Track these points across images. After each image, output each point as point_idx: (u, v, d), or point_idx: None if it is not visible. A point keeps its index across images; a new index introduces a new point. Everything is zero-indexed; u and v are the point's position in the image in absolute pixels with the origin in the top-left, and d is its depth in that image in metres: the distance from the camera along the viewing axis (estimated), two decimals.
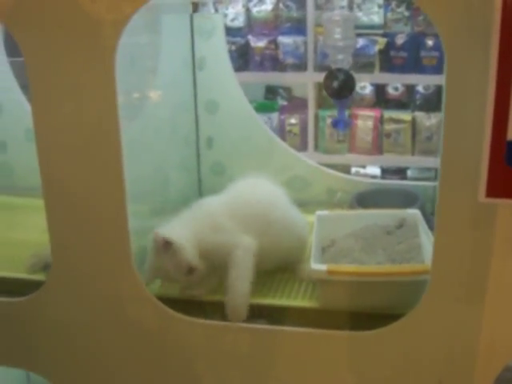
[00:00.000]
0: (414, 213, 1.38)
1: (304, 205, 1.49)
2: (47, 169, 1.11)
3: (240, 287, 1.16)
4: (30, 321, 1.24)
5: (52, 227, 1.14)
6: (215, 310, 1.19)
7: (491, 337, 1.02)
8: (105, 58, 1.01)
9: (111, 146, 1.06)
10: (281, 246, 1.27)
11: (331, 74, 1.38)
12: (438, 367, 1.07)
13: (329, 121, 3.19)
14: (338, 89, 1.36)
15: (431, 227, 1.18)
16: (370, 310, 1.13)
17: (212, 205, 1.28)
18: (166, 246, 1.18)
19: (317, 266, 1.14)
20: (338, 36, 1.41)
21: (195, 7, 1.69)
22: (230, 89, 1.69)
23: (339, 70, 1.36)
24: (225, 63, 1.68)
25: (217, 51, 1.67)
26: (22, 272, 1.34)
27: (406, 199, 1.53)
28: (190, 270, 1.19)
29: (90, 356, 1.23)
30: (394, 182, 2.02)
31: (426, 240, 1.25)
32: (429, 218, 1.38)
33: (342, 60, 1.39)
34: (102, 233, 1.13)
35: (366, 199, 1.57)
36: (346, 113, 1.57)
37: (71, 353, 1.24)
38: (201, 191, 1.77)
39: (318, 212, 1.39)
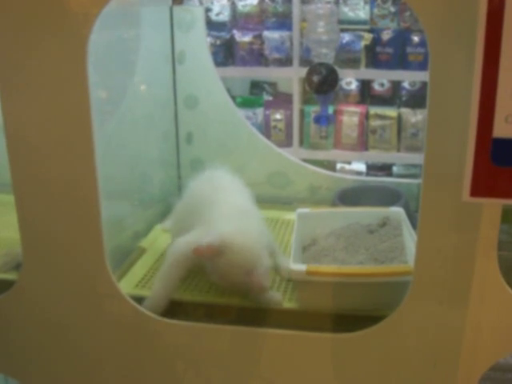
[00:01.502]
0: (397, 211, 1.36)
1: (285, 202, 1.47)
2: (17, 165, 1.08)
3: None
4: (1, 321, 1.21)
5: (23, 225, 1.11)
6: (199, 310, 1.18)
7: (475, 338, 1.01)
8: (76, 50, 0.98)
9: (83, 141, 1.03)
10: None
11: (313, 69, 1.35)
12: (421, 369, 1.05)
13: (313, 116, 3.17)
14: (320, 83, 1.33)
15: (415, 225, 1.16)
16: (350, 311, 1.11)
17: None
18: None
19: (296, 266, 1.11)
20: (321, 30, 1.38)
21: (179, 0, 1.66)
22: (210, 83, 1.66)
23: (322, 64, 1.33)
24: (205, 57, 1.65)
25: (197, 45, 1.64)
26: None
27: (390, 197, 1.51)
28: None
29: (66, 356, 1.21)
30: (378, 179, 1.99)
31: (410, 239, 1.23)
32: (413, 216, 1.36)
33: (326, 54, 1.37)
34: (74, 230, 1.10)
35: (349, 197, 1.55)
36: (330, 108, 1.55)
37: (45, 354, 1.22)
38: (180, 187, 1.73)
39: (299, 210, 1.36)
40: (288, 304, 1.16)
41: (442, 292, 0.99)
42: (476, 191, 0.85)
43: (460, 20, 0.85)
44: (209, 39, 3.07)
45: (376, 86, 3.34)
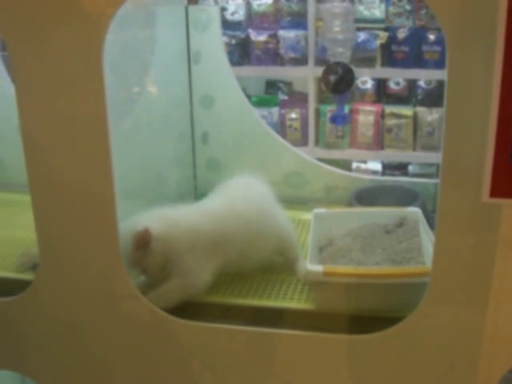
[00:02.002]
0: (414, 211, 1.35)
1: (301, 202, 1.46)
2: (34, 165, 1.08)
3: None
4: (18, 321, 1.22)
5: (39, 225, 1.11)
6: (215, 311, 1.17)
7: (493, 340, 0.99)
8: (92, 50, 0.98)
9: (99, 141, 1.03)
10: (257, 247, 1.24)
11: (330, 68, 1.34)
12: (439, 371, 1.04)
13: (329, 115, 3.16)
14: (337, 83, 1.32)
15: (432, 225, 1.15)
16: (367, 312, 1.10)
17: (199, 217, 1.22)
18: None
19: (313, 266, 1.11)
20: (337, 29, 1.37)
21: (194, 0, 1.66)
22: (225, 83, 1.66)
23: (338, 63, 1.33)
24: (221, 57, 1.65)
25: (212, 44, 1.64)
26: (10, 271, 1.31)
27: (407, 197, 1.49)
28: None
29: (82, 356, 1.21)
30: (394, 179, 1.98)
31: (427, 239, 1.22)
32: (430, 216, 1.34)
33: (342, 53, 1.36)
34: (90, 230, 1.10)
35: (365, 197, 1.54)
36: (346, 108, 1.54)
37: (62, 354, 1.22)
38: (196, 187, 1.73)
39: (316, 210, 1.35)
40: (304, 305, 1.16)
41: (460, 293, 0.98)
42: (496, 192, 0.84)
43: (478, 17, 0.84)
44: (224, 38, 3.07)
45: (392, 85, 3.32)
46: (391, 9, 3.13)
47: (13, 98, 1.04)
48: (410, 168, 3.36)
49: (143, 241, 1.13)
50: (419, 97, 3.24)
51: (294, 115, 3.32)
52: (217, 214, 1.22)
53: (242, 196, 1.27)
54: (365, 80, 3.30)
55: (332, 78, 1.33)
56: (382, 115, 3.22)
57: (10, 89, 1.67)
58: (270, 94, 3.50)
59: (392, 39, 3.09)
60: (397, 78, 3.28)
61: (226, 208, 1.23)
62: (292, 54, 3.19)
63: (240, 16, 3.27)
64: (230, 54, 3.13)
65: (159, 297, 1.15)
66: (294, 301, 1.17)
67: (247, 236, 1.21)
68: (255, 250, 1.23)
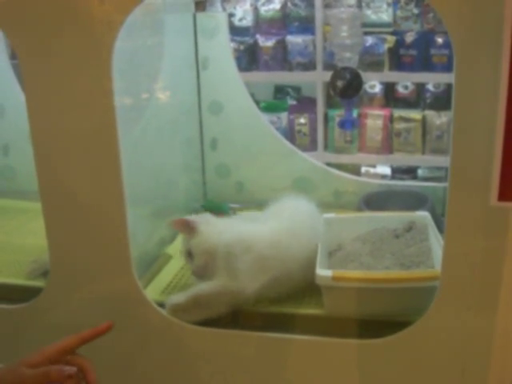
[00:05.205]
0: (423, 215, 1.35)
1: None
2: (44, 172, 1.09)
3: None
4: (29, 328, 1.22)
5: (50, 232, 1.12)
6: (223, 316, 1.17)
7: (504, 344, 0.99)
8: (101, 57, 0.99)
9: (109, 148, 1.03)
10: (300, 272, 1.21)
11: (338, 73, 1.34)
12: (449, 376, 1.04)
13: (338, 120, 3.15)
14: (344, 88, 1.32)
15: (441, 229, 1.14)
16: (377, 317, 1.10)
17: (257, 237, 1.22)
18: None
19: (322, 271, 1.11)
20: (344, 34, 1.38)
21: (203, 6, 1.66)
22: (234, 89, 1.66)
23: (346, 68, 1.33)
24: (229, 63, 1.65)
25: (221, 51, 1.65)
26: (21, 278, 1.31)
27: (416, 201, 1.49)
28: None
29: (92, 362, 1.21)
30: (403, 184, 1.98)
31: (436, 243, 1.21)
32: (439, 220, 1.34)
33: (350, 58, 1.36)
34: (101, 237, 1.11)
35: (374, 201, 1.54)
36: (354, 112, 1.54)
37: None
38: (205, 193, 1.74)
39: (325, 215, 1.35)
40: (314, 310, 1.16)
41: (470, 297, 0.98)
42: (504, 195, 0.84)
43: (485, 20, 0.84)
44: (232, 44, 3.07)
45: (400, 89, 3.31)
46: (399, 12, 3.12)
47: (23, 106, 1.06)
48: (420, 172, 3.35)
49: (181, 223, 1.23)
50: (428, 100, 3.23)
51: (302, 120, 3.31)
52: (275, 230, 1.22)
53: (301, 220, 1.27)
54: (373, 84, 3.29)
55: (340, 83, 1.33)
56: (391, 119, 3.22)
57: (20, 97, 1.69)
58: (278, 99, 3.49)
59: (400, 43, 3.09)
60: (405, 82, 3.27)
61: (285, 228, 1.23)
62: (300, 59, 3.19)
63: (248, 22, 3.27)
64: (238, 59, 3.13)
65: (204, 296, 1.15)
66: (303, 306, 1.17)
67: (299, 260, 1.19)
68: (299, 274, 1.20)
